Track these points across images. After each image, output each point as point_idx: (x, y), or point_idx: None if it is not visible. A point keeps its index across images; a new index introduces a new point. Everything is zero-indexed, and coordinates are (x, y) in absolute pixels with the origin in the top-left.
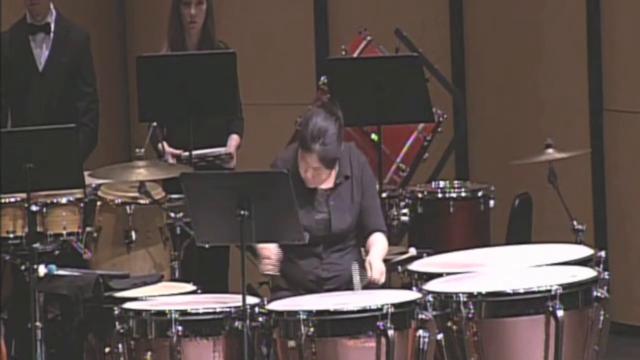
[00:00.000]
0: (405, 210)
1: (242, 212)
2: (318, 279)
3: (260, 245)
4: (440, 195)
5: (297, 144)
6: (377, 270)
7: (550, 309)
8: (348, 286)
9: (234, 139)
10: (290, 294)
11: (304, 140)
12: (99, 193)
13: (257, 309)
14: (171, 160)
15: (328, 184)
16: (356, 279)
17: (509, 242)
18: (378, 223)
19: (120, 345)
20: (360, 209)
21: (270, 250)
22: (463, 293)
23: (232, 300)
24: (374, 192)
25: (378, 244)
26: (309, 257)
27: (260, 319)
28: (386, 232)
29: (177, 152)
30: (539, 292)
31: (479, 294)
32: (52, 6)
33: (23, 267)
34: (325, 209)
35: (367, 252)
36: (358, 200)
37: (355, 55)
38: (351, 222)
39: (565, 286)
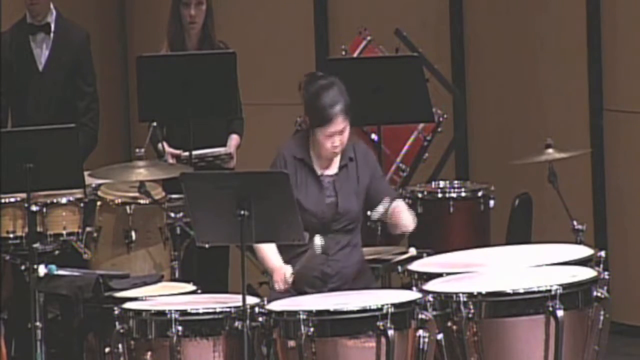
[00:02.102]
0: None
1: (242, 212)
2: (323, 275)
3: (274, 264)
4: (440, 195)
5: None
6: (407, 218)
7: (550, 309)
8: (351, 285)
9: (234, 139)
10: (291, 294)
11: (323, 113)
12: (99, 193)
13: (257, 309)
14: (171, 160)
15: (333, 169)
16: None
17: (509, 242)
18: (394, 195)
19: (120, 345)
20: (372, 193)
21: (282, 274)
22: (463, 293)
23: (232, 300)
24: (380, 173)
25: (400, 206)
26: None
27: (260, 319)
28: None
29: (177, 152)
30: (539, 292)
31: (479, 294)
32: (52, 6)
33: (23, 267)
34: (332, 192)
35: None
36: (364, 183)
37: (355, 55)
38: (358, 205)
39: (565, 286)
